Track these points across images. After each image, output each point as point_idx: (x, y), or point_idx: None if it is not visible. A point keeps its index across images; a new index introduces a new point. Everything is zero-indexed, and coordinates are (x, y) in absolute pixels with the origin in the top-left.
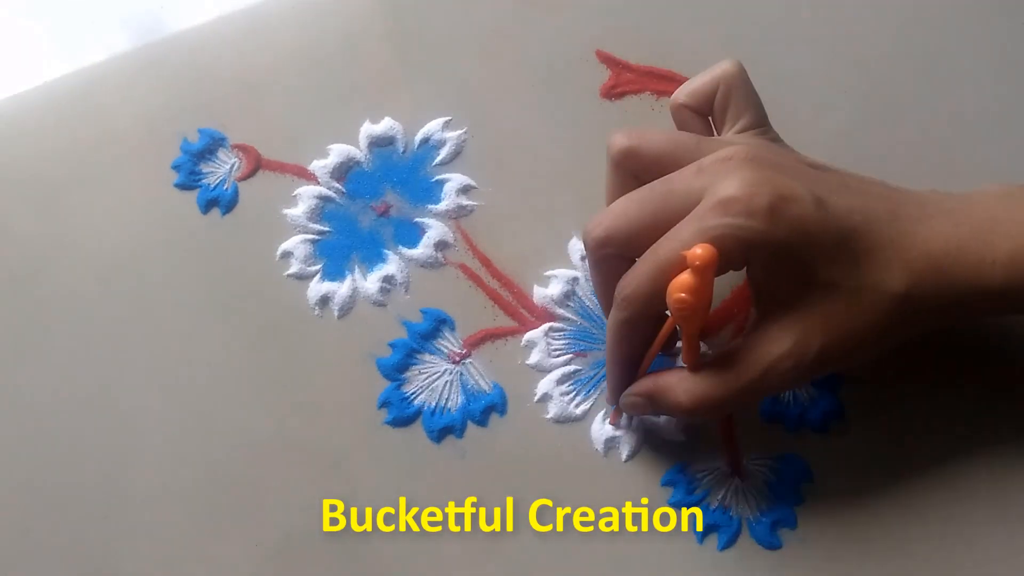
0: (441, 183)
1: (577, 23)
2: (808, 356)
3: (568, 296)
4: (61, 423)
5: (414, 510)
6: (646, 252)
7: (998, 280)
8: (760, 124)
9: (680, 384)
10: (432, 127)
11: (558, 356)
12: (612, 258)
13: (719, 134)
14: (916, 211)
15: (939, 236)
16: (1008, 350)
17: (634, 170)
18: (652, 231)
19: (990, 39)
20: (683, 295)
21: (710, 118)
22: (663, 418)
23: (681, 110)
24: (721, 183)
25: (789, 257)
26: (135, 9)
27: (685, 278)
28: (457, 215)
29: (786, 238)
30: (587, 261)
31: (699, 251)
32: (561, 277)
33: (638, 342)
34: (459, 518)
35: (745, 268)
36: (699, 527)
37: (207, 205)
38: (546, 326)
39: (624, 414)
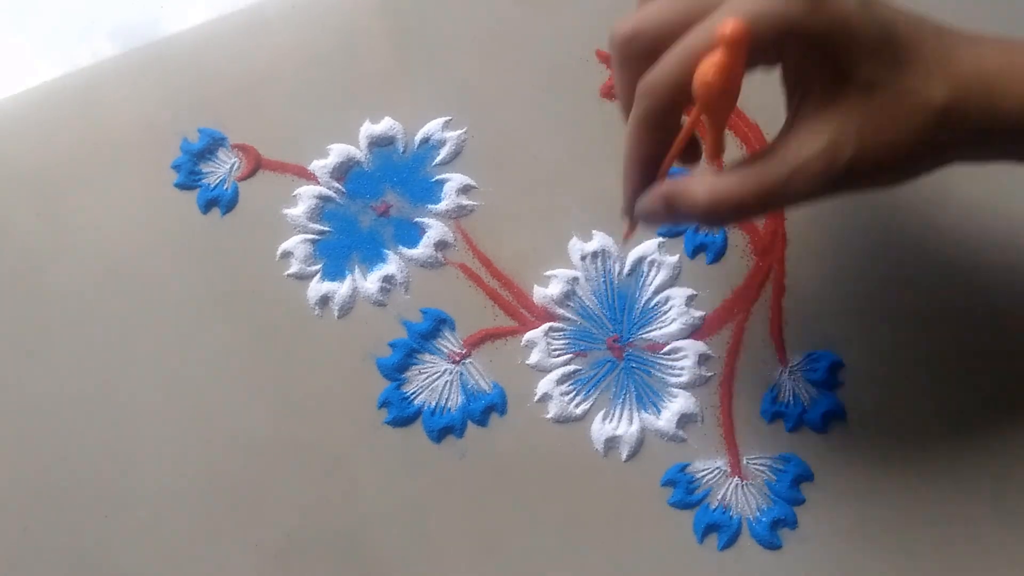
0: (441, 183)
1: (577, 23)
2: (841, 160)
3: (568, 296)
4: (61, 423)
5: (414, 510)
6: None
7: None
8: None
9: (700, 182)
10: (432, 127)
11: (558, 356)
12: (638, 58)
13: None
14: (965, 34)
15: (989, 56)
16: (1008, 350)
17: (644, 54)
18: (683, 28)
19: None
20: (710, 76)
21: None
22: (663, 417)
23: None
24: None
25: (827, 49)
26: (135, 9)
27: (714, 58)
28: (457, 215)
29: (827, 27)
30: (612, 62)
31: (730, 25)
32: (561, 277)
33: (658, 140)
34: (459, 518)
35: (787, 101)
36: (699, 527)
37: (207, 205)
38: (546, 326)
39: (638, 229)
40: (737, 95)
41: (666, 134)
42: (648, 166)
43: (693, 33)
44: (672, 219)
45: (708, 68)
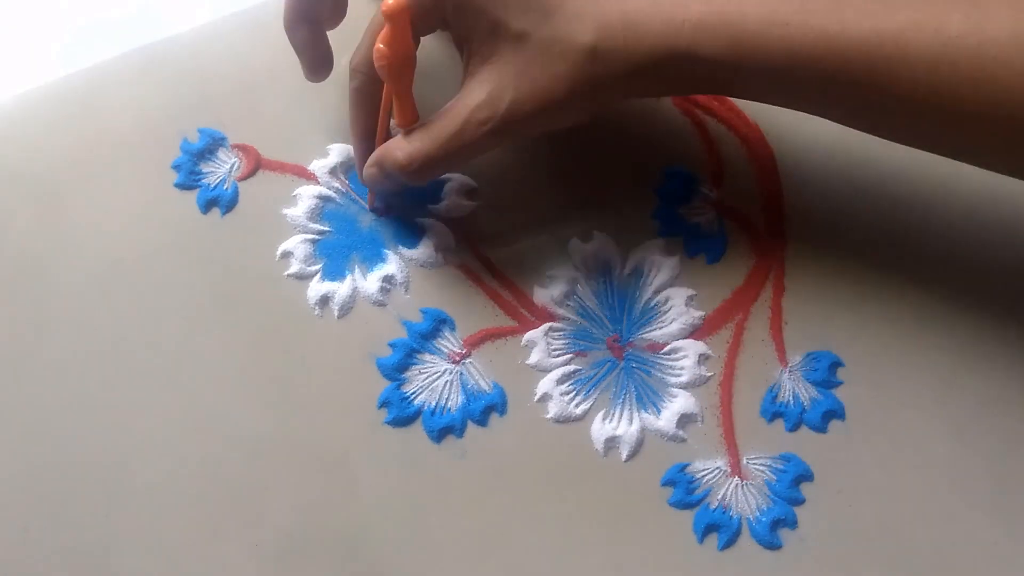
0: (441, 183)
1: None
2: (501, 106)
3: (568, 296)
4: (61, 423)
5: (414, 510)
6: None
7: (685, 40)
8: None
9: (399, 144)
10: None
11: (558, 356)
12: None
13: None
14: None
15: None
16: (1008, 350)
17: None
18: None
19: None
20: (380, 45)
21: None
22: (663, 417)
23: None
24: None
25: (477, 7)
26: (135, 9)
27: (384, 31)
28: (457, 215)
29: None
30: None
31: (389, 1)
32: (561, 277)
33: (371, 113)
34: (459, 518)
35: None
36: (699, 527)
37: (207, 205)
38: (546, 326)
39: (378, 198)
40: (412, 63)
41: (377, 107)
42: (368, 135)
43: (376, 14)
44: (388, 181)
45: (380, 40)
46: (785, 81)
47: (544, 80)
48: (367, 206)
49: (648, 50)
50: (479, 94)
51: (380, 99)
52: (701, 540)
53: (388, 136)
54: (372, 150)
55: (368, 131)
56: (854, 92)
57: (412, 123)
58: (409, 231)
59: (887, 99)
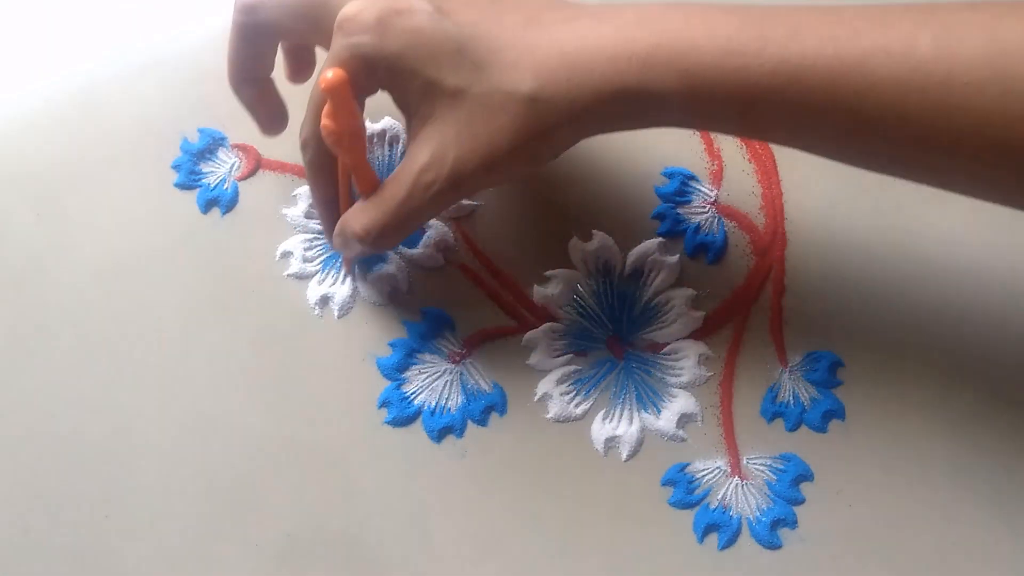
0: None
1: None
2: (445, 166)
3: (568, 296)
4: (61, 423)
5: (414, 510)
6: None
7: (633, 76)
8: None
9: (354, 216)
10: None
11: (558, 356)
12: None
13: None
14: (562, 15)
15: (576, 35)
16: (1008, 350)
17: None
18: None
19: None
20: (326, 121)
21: None
22: (663, 417)
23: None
24: (344, 5)
25: (408, 69)
26: (135, 9)
27: (327, 106)
28: (457, 215)
29: (399, 50)
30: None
31: (328, 75)
32: (561, 277)
33: (329, 181)
34: (459, 518)
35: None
36: (699, 527)
37: (207, 205)
38: (546, 326)
39: (353, 265)
40: (361, 132)
41: (335, 174)
42: (331, 204)
43: (315, 88)
44: (351, 251)
45: (324, 116)
46: (745, 114)
47: (486, 135)
48: (345, 270)
49: (593, 91)
50: (423, 156)
51: (336, 167)
52: (701, 540)
53: (352, 201)
54: (338, 215)
55: (330, 199)
56: (819, 123)
57: (373, 190)
58: None
59: (854, 129)
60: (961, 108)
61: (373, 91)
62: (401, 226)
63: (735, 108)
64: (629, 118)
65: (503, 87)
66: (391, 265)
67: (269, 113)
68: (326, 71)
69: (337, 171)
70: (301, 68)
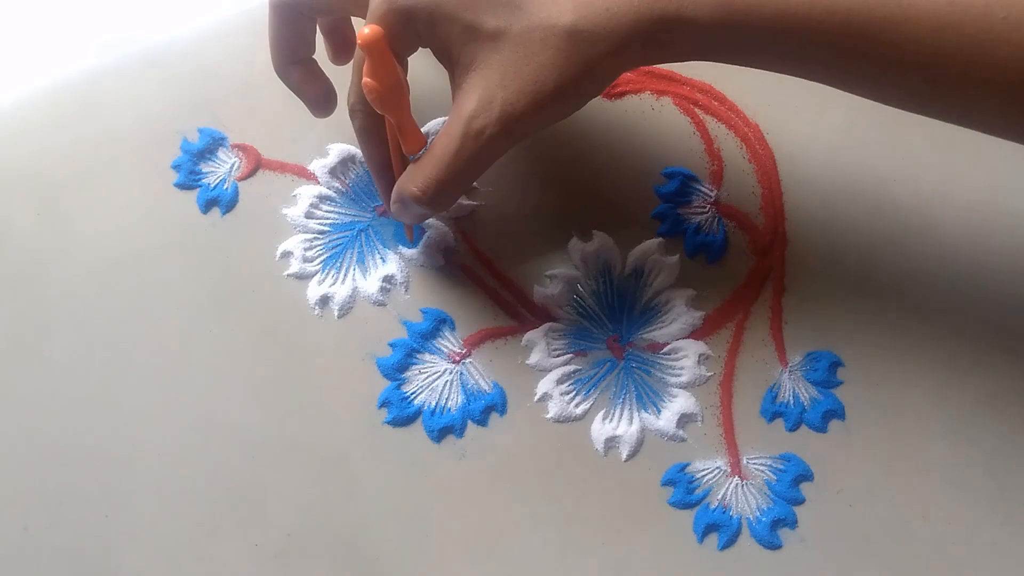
0: None
1: None
2: (494, 110)
3: (568, 296)
4: (61, 423)
5: (414, 510)
6: None
7: (673, 5)
8: None
9: (409, 178)
10: (432, 126)
11: (558, 356)
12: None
13: None
14: None
15: None
16: (1008, 349)
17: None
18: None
19: None
20: (367, 79)
21: None
22: (663, 417)
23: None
24: None
25: (446, 16)
26: (135, 9)
27: (367, 64)
28: (457, 215)
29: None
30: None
31: (365, 31)
32: (561, 277)
33: (380, 146)
34: (459, 518)
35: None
36: (699, 527)
37: (207, 205)
38: (546, 326)
39: (417, 231)
40: (403, 89)
41: (385, 140)
42: (385, 171)
43: (357, 52)
44: (415, 214)
45: (365, 74)
46: (780, 44)
47: (531, 73)
48: (408, 239)
49: (634, 20)
50: (470, 104)
51: (385, 131)
52: (701, 540)
53: (404, 165)
54: (393, 181)
55: (383, 165)
56: (853, 55)
57: (420, 148)
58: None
59: (889, 62)
60: (998, 43)
61: (413, 48)
62: (458, 179)
63: (772, 38)
64: (670, 47)
65: (543, 22)
66: (391, 265)
67: (317, 94)
68: (363, 29)
69: (387, 135)
70: (343, 47)
